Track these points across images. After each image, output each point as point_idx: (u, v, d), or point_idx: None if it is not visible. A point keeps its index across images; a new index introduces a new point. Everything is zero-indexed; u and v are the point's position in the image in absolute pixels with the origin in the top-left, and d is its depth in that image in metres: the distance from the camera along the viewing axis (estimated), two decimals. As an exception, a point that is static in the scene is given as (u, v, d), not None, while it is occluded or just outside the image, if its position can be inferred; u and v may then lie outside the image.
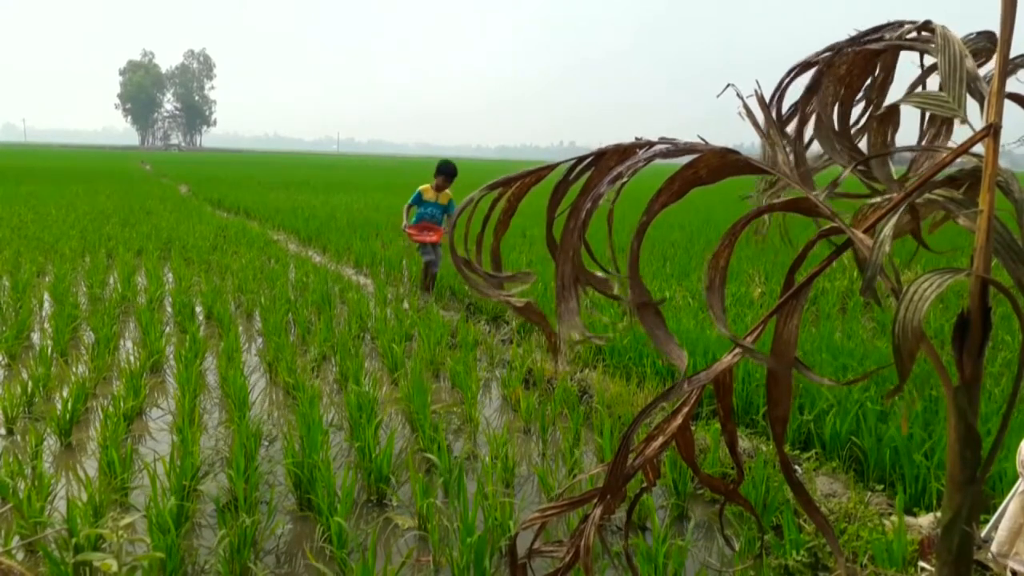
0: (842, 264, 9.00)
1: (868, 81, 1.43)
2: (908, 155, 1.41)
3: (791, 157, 1.44)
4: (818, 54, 1.41)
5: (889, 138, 1.45)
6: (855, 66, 1.40)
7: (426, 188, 8.21)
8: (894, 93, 1.43)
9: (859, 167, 1.37)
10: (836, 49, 1.37)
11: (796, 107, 1.45)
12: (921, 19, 1.34)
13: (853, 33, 1.41)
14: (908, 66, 1.44)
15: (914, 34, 1.34)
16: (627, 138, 1.41)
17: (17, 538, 3.06)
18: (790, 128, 1.48)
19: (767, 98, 1.47)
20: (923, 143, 1.38)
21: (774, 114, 1.48)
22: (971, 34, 1.32)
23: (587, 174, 1.41)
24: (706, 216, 17.05)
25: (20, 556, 3.02)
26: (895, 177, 1.42)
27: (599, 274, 1.47)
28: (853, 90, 1.42)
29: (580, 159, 1.41)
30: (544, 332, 1.62)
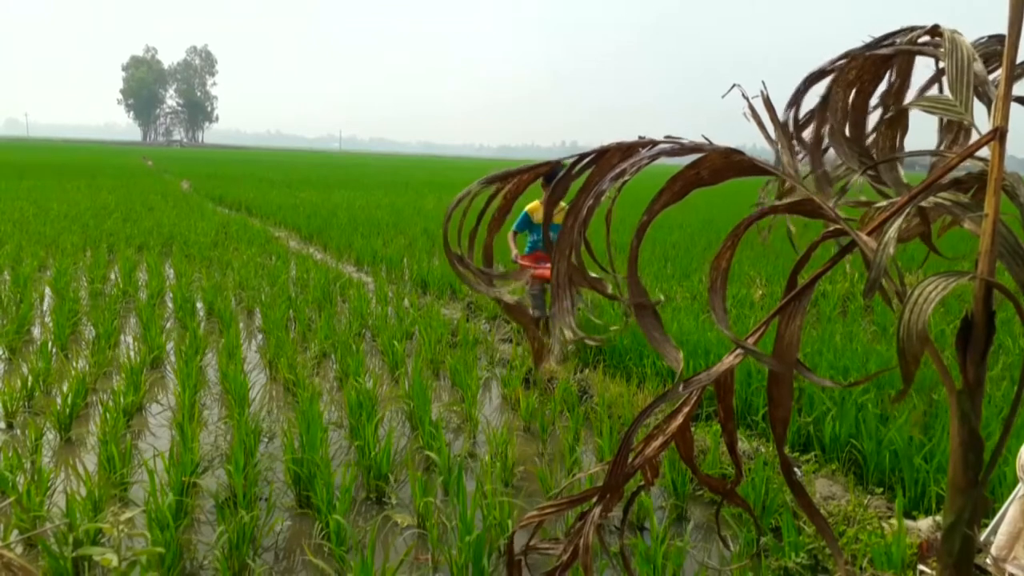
0: (843, 267, 8.99)
1: (884, 87, 1.43)
2: (928, 162, 1.40)
3: (806, 163, 1.44)
4: (833, 62, 1.41)
5: (898, 142, 1.45)
6: (864, 71, 1.40)
7: (535, 206, 6.20)
8: (910, 97, 1.42)
9: (869, 172, 1.37)
10: (851, 56, 1.37)
11: (812, 114, 1.45)
12: (919, 20, 1.34)
13: (865, 39, 1.41)
14: (925, 71, 1.43)
15: (927, 38, 1.34)
16: (629, 139, 1.41)
17: (16, 532, 3.06)
18: (806, 135, 1.47)
19: (783, 106, 1.47)
20: (941, 148, 1.38)
21: (791, 122, 1.48)
22: (982, 38, 1.32)
23: (587, 172, 1.41)
24: (707, 217, 17.04)
25: (19, 550, 3.02)
26: (907, 182, 1.41)
27: (597, 275, 1.46)
28: (865, 95, 1.41)
29: (581, 156, 1.40)
30: (528, 334, 1.61)
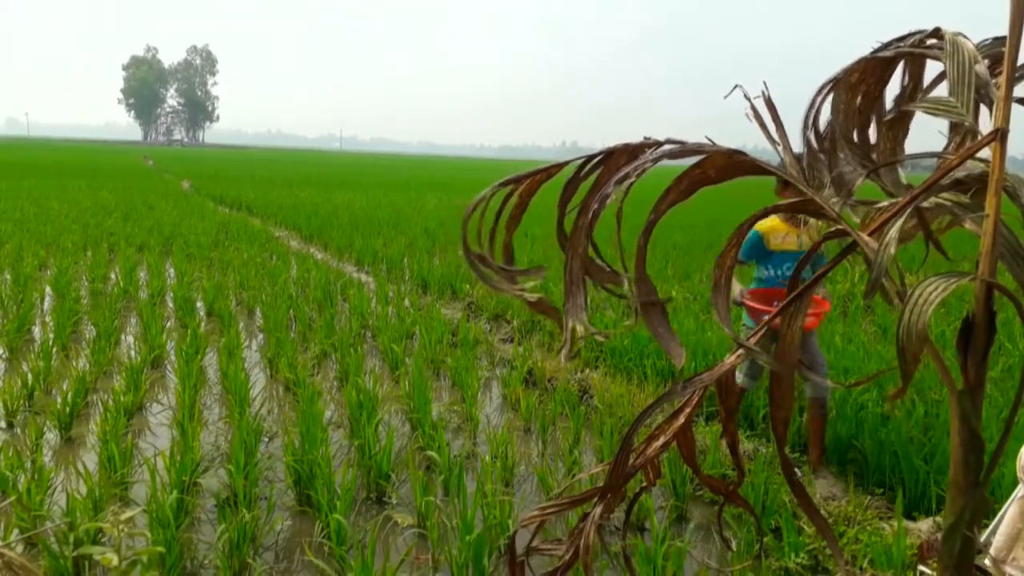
0: (844, 267, 8.99)
1: (897, 91, 1.44)
2: (933, 164, 1.41)
3: (828, 172, 1.44)
4: (846, 70, 1.42)
5: (898, 144, 1.45)
6: (867, 74, 1.40)
7: (773, 226, 3.96)
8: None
9: (872, 175, 1.37)
10: (859, 61, 1.38)
11: (831, 123, 1.46)
12: (919, 20, 1.35)
13: (864, 39, 1.41)
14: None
15: (933, 41, 1.34)
16: (628, 140, 1.41)
17: (17, 531, 3.06)
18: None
19: (787, 114, 1.47)
20: (948, 149, 1.39)
21: (811, 131, 1.48)
22: (987, 40, 1.33)
23: (596, 172, 1.41)
24: (709, 218, 17.03)
25: (20, 549, 3.02)
26: (907, 183, 1.42)
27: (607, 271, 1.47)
28: (870, 99, 1.42)
29: (590, 157, 1.41)
30: (559, 326, 1.62)
